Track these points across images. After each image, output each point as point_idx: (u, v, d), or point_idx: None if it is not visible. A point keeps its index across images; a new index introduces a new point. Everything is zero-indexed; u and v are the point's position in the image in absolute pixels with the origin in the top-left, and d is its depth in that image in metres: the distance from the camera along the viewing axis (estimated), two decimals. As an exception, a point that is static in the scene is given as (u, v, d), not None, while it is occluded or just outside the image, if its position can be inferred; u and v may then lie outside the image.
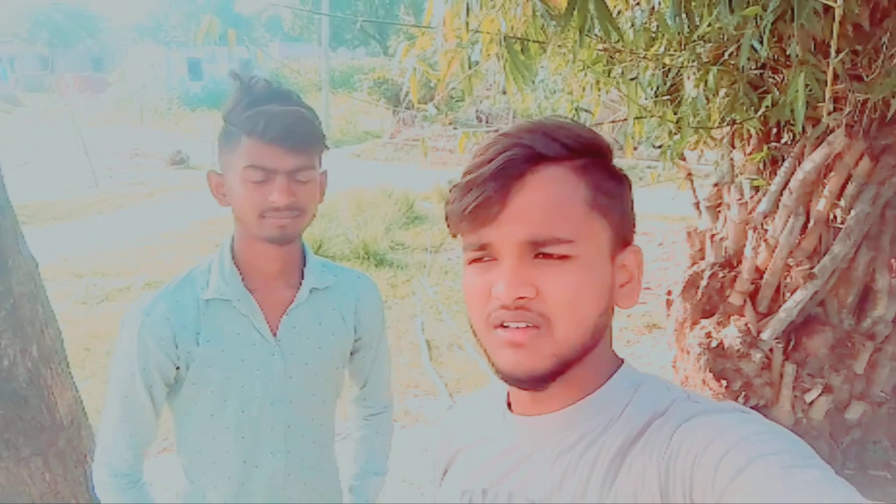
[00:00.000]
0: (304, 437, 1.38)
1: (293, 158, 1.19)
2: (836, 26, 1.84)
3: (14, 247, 2.10)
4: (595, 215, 0.70)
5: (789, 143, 3.15)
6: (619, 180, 0.74)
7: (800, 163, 2.98)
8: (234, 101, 1.22)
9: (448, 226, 0.73)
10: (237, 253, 1.31)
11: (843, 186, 2.93)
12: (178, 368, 1.28)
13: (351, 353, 1.46)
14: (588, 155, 0.72)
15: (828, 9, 2.24)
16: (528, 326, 0.68)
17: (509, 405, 0.81)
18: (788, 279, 3.08)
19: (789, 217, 3.03)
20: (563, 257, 0.68)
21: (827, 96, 2.11)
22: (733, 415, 0.65)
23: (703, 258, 3.52)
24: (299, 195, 1.21)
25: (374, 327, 1.47)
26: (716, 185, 3.60)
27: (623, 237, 0.74)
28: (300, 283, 1.34)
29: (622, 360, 0.77)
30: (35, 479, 2.18)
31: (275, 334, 1.31)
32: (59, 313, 2.36)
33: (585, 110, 3.37)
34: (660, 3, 2.79)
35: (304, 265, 1.36)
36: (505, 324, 0.69)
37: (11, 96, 29.49)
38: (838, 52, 2.05)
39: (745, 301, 3.21)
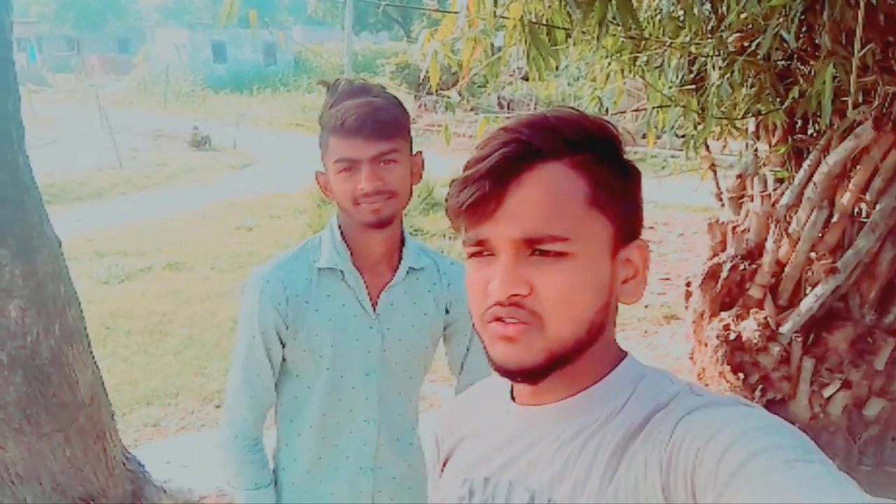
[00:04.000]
0: (392, 409, 1.47)
1: (373, 146, 1.28)
2: (860, 15, 1.79)
3: (39, 227, 2.14)
4: (594, 212, 0.69)
5: (815, 135, 3.10)
6: (625, 174, 0.72)
7: (825, 155, 2.93)
8: (323, 105, 1.35)
9: (449, 220, 0.74)
10: (344, 234, 1.41)
11: (869, 180, 2.88)
12: (288, 332, 1.39)
13: (445, 340, 1.54)
14: (591, 149, 0.70)
15: (859, -1, 2.19)
16: (519, 322, 0.68)
17: (513, 396, 0.81)
18: (810, 273, 3.04)
19: (813, 210, 2.99)
20: (559, 255, 0.68)
21: (852, 88, 2.06)
22: (736, 408, 0.65)
23: (723, 250, 3.49)
24: (386, 178, 1.30)
25: (465, 313, 1.52)
26: (739, 176, 3.56)
27: (628, 232, 0.73)
28: (398, 264, 1.44)
29: (626, 353, 0.77)
30: (56, 454, 2.22)
31: (374, 309, 1.41)
32: (80, 292, 2.40)
33: (606, 98, 3.34)
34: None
35: (403, 247, 1.45)
36: (498, 318, 0.69)
37: (39, 77, 29.80)
38: (867, 42, 2.01)
39: (765, 294, 3.18)
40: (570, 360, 0.71)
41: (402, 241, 1.46)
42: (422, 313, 1.46)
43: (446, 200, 0.73)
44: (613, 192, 0.71)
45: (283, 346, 1.41)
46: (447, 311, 1.50)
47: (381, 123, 1.29)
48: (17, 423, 2.13)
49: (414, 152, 1.40)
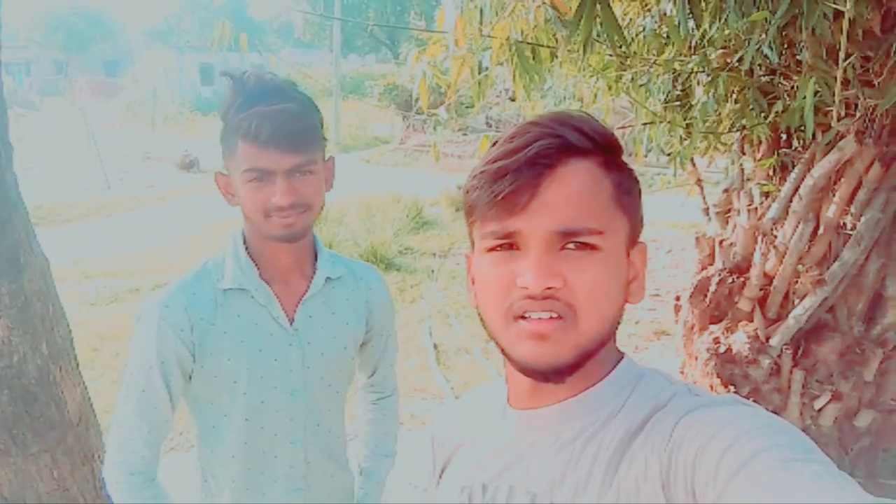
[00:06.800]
0: (320, 426, 1.39)
1: (290, 158, 1.18)
2: (843, 32, 1.83)
3: (26, 244, 2.12)
4: (617, 210, 0.71)
5: (799, 149, 3.13)
6: (634, 178, 0.75)
7: (810, 169, 2.97)
8: (228, 100, 1.22)
9: (469, 213, 0.73)
10: (250, 246, 1.31)
11: (854, 193, 2.91)
12: (194, 359, 1.28)
13: (361, 345, 1.47)
14: (609, 151, 0.73)
15: (838, 14, 2.24)
16: (552, 317, 0.68)
17: (508, 401, 0.81)
18: (798, 285, 3.06)
19: (799, 223, 3.02)
20: (589, 248, 0.68)
21: (836, 101, 2.10)
22: (736, 408, 0.65)
23: (711, 264, 3.51)
24: (302, 192, 1.21)
25: (384, 318, 1.49)
26: (725, 190, 3.59)
27: (635, 234, 0.75)
28: (313, 274, 1.35)
29: (623, 354, 0.77)
30: (43, 475, 2.19)
31: (291, 324, 1.32)
32: (68, 314, 2.37)
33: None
34: (671, 9, 2.79)
35: (316, 256, 1.38)
36: (527, 315, 0.69)
37: (27, 100, 29.72)
38: (847, 56, 2.04)
39: (753, 307, 3.20)
40: (591, 358, 0.71)
41: (316, 250, 1.37)
42: (343, 323, 1.39)
43: (470, 192, 0.72)
44: (629, 193, 0.73)
45: (191, 376, 1.29)
46: (368, 318, 1.44)
47: (298, 134, 1.18)
48: (2, 444, 2.10)
49: (326, 158, 1.30)
